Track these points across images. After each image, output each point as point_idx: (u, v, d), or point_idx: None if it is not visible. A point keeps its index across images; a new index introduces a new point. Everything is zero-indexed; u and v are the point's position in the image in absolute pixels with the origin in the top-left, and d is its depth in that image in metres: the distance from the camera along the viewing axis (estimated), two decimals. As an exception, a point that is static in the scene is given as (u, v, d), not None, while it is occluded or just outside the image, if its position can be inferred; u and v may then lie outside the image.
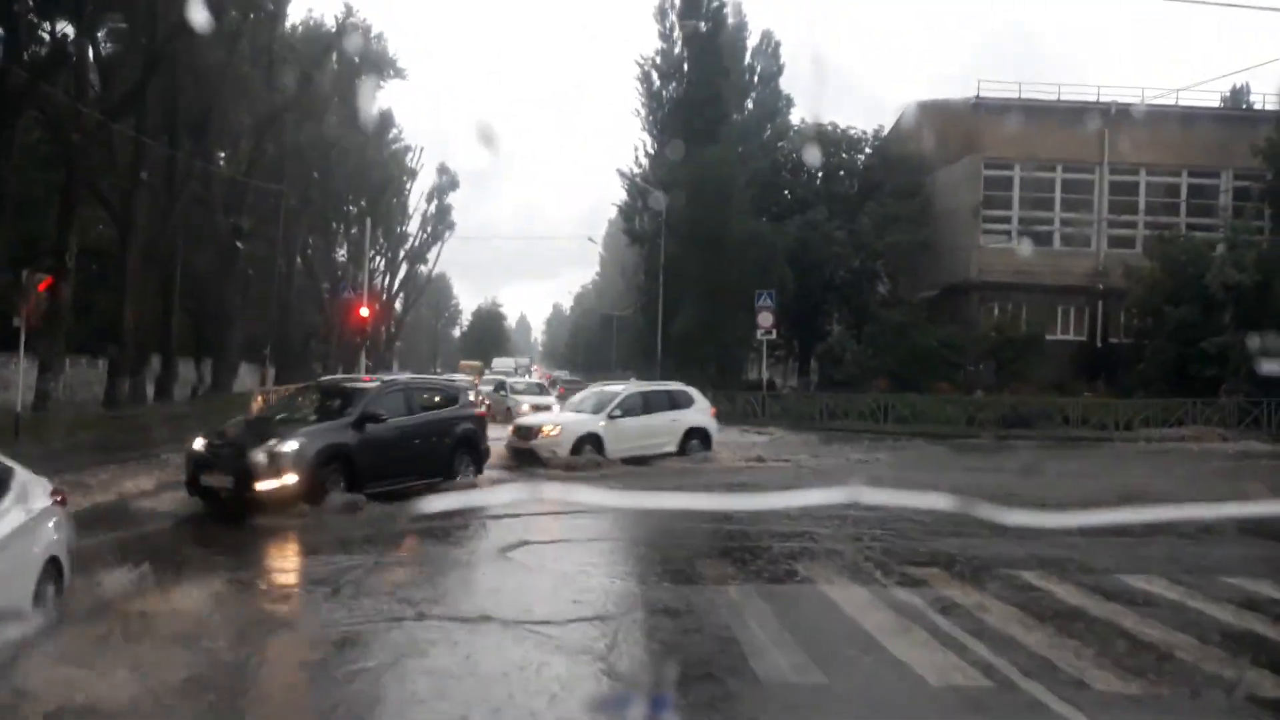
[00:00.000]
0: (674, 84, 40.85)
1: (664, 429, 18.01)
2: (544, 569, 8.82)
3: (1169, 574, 8.69)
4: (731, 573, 8.77)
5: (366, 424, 12.29)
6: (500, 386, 33.12)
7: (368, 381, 14.45)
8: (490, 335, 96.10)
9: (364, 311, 38.15)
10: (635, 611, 7.43)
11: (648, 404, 18.26)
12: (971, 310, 33.39)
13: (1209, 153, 32.70)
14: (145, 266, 27.94)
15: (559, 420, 17.97)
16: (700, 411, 19.03)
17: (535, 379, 42.74)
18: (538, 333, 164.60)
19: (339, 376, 19.46)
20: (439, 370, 64.04)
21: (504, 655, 6.15)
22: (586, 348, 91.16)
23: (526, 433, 17.20)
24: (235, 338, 35.26)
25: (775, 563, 9.22)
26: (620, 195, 48.46)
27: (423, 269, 66.21)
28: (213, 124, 31.73)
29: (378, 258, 57.83)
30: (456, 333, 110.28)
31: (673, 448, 17.92)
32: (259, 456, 10.98)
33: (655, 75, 41.42)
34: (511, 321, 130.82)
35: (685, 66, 40.48)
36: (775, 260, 32.54)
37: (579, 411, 18.30)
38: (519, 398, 29.78)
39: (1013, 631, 6.95)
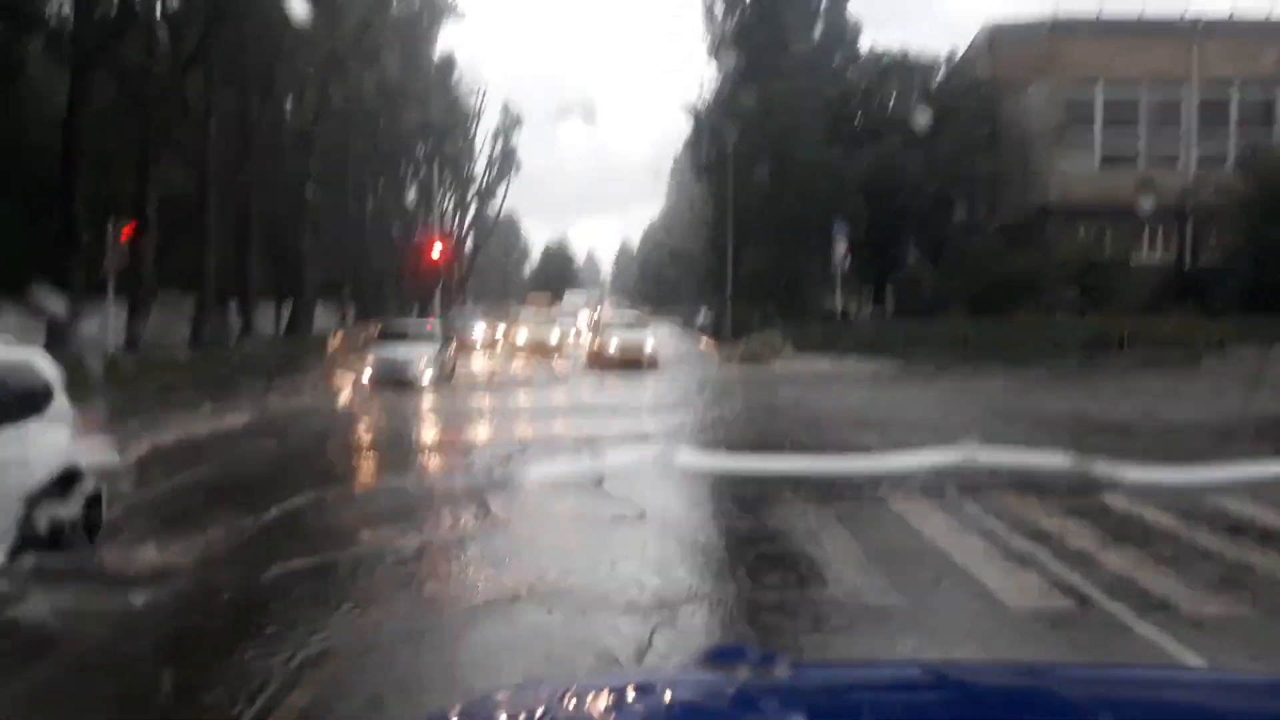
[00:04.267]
0: (739, 12, 39.99)
1: None
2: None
3: (1263, 495, 8.42)
4: (810, 494, 8.71)
5: None
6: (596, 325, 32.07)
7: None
8: (559, 272, 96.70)
9: (435, 252, 38.65)
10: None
11: None
12: (1053, 236, 32.51)
13: (1305, 63, 31.08)
14: (222, 214, 28.60)
15: None
16: (60, 421, 6.69)
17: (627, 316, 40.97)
18: (606, 269, 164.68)
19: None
20: (509, 307, 64.63)
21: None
22: (656, 282, 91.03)
23: None
24: (311, 280, 35.98)
25: (855, 485, 9.10)
26: (687, 128, 47.79)
27: (491, 209, 66.57)
28: (279, 74, 32.06)
29: (446, 199, 58.20)
30: (526, 271, 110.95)
31: None
32: None
33: (720, 4, 40.61)
34: (580, 259, 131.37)
35: (751, -6, 39.61)
36: (847, 191, 32.00)
37: None
38: (609, 334, 27.49)
39: (1096, 553, 6.87)
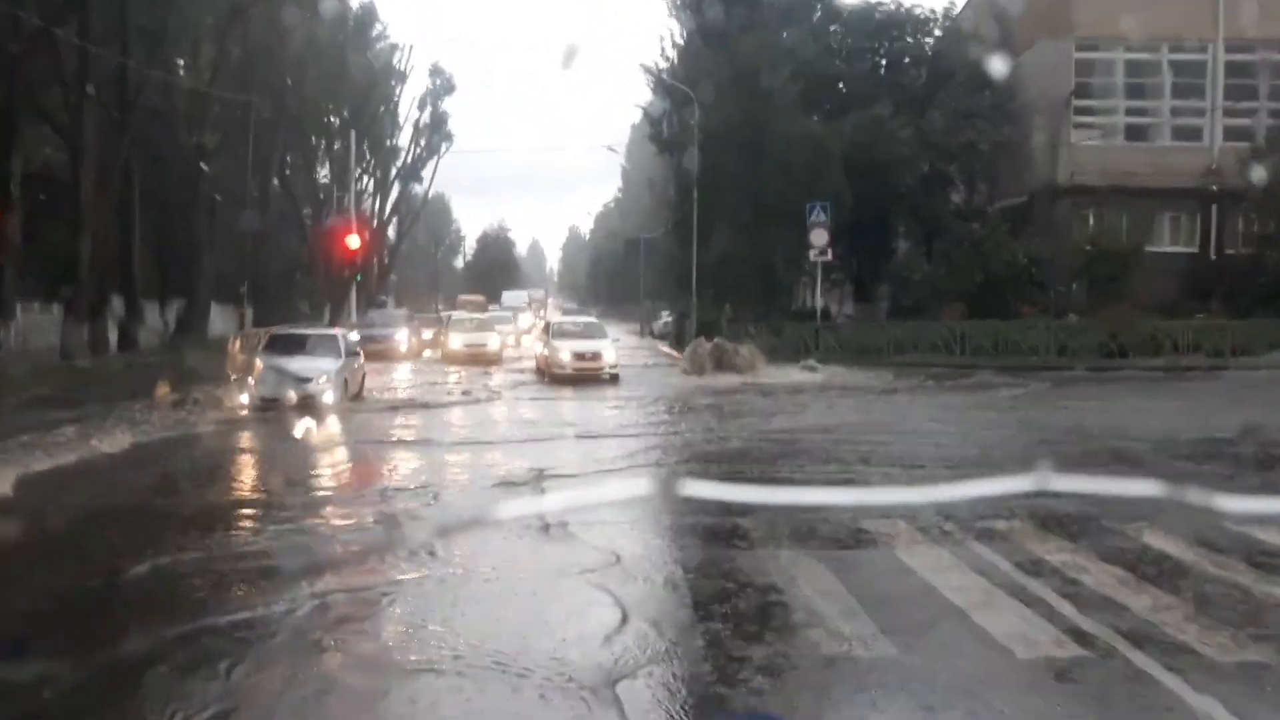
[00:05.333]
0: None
1: None
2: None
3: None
4: (783, 531, 8.75)
5: None
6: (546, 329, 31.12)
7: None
8: (498, 264, 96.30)
9: (353, 240, 38.29)
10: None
11: None
12: (1061, 220, 32.94)
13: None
14: (100, 193, 28.06)
15: None
16: None
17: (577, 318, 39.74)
18: (553, 260, 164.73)
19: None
20: (440, 308, 64.25)
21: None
22: (610, 276, 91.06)
23: None
24: (206, 274, 35.46)
25: (838, 520, 9.13)
26: (645, 95, 47.80)
27: (418, 189, 66.05)
28: (169, 27, 31.57)
29: (365, 177, 57.72)
30: (459, 263, 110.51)
31: None
32: None
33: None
34: (522, 248, 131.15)
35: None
36: (829, 166, 32.17)
37: None
38: (558, 343, 26.93)
39: (1112, 593, 6.99)
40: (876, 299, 38.01)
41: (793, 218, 31.03)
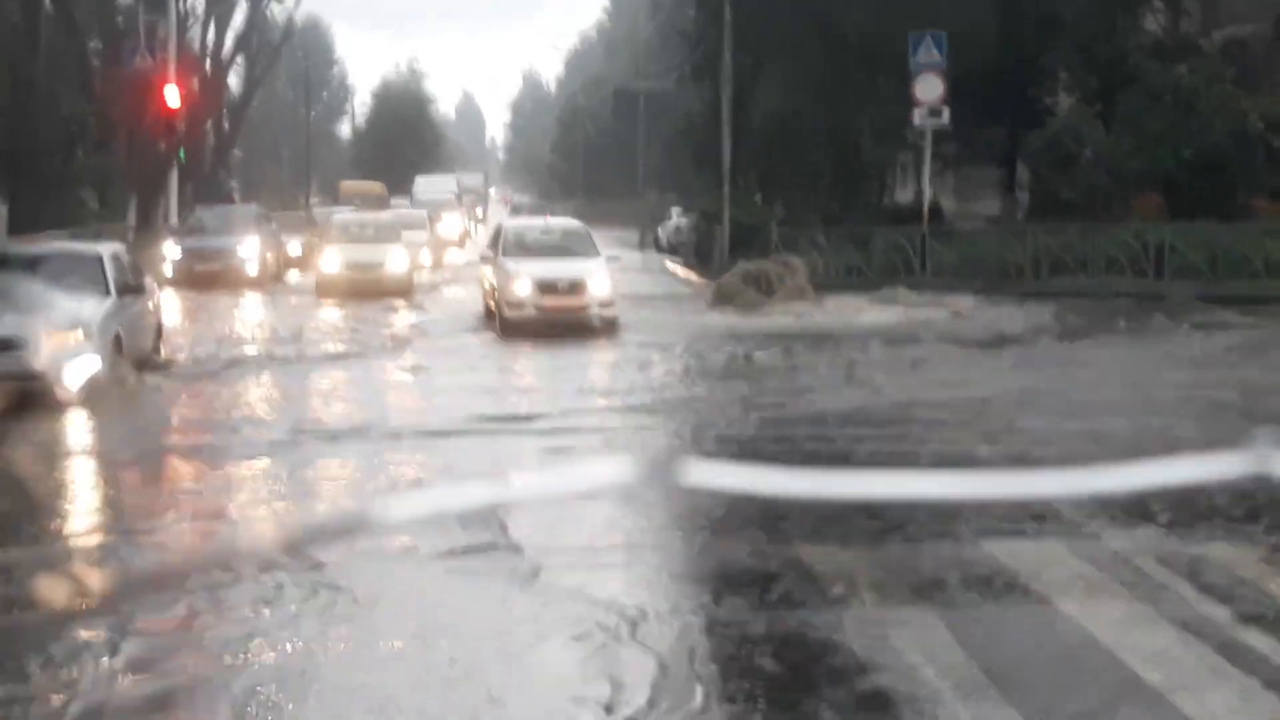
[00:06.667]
0: None
1: None
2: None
3: None
4: (870, 568, 8.91)
5: None
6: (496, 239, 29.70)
7: None
8: (408, 131, 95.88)
9: (171, 94, 38.08)
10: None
11: None
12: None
13: None
14: None
15: None
16: None
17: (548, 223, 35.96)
18: (497, 127, 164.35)
19: None
20: (315, 204, 64.11)
21: None
22: (590, 153, 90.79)
23: None
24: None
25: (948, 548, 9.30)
26: None
27: (277, 9, 65.78)
28: None
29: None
30: (345, 130, 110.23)
31: None
32: None
33: None
34: (447, 106, 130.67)
35: None
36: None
37: None
38: (514, 265, 25.77)
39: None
40: (1015, 188, 37.95)
41: (886, 57, 30.93)
